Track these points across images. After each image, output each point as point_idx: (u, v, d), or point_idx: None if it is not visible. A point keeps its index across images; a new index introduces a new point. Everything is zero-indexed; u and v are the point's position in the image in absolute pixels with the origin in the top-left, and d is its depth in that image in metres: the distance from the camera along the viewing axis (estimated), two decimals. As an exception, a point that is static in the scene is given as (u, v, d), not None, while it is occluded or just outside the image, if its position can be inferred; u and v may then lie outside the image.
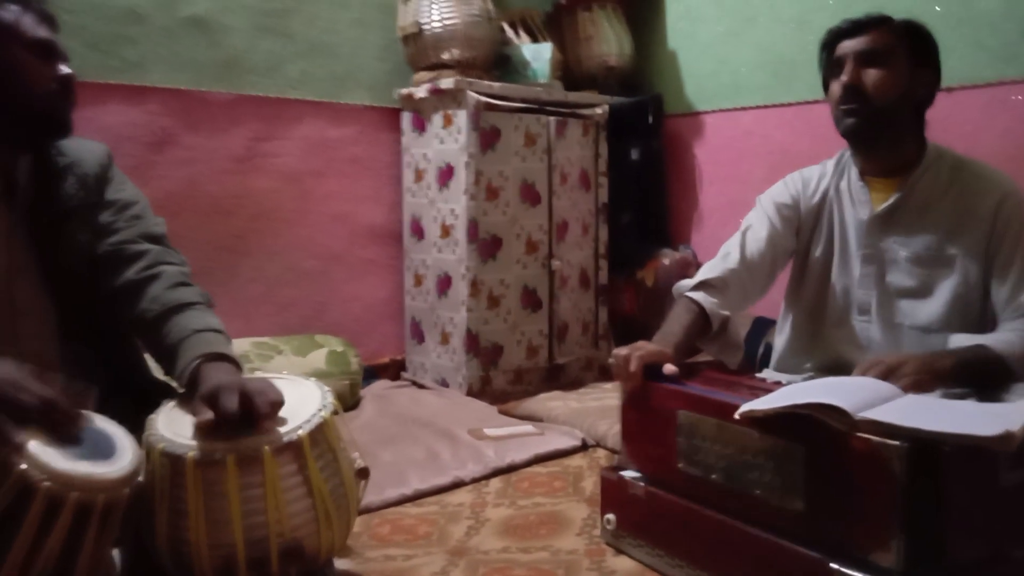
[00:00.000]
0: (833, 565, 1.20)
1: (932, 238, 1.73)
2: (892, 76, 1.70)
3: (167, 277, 1.49)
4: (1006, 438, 1.08)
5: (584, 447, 2.29)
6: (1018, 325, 1.62)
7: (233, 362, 1.40)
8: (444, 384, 2.98)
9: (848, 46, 1.73)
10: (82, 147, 1.56)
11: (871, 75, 1.70)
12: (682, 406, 1.47)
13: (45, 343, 1.45)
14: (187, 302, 1.47)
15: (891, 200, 1.76)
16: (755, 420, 1.30)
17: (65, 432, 1.19)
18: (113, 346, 1.56)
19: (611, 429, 2.27)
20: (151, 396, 1.44)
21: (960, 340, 1.62)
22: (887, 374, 1.44)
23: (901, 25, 1.74)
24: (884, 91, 1.69)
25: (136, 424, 1.31)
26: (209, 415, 1.27)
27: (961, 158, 1.78)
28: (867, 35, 1.72)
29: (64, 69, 1.46)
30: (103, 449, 1.23)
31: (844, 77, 1.71)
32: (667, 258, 3.25)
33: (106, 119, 2.54)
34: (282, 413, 1.34)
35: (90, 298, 1.52)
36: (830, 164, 1.91)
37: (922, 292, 1.74)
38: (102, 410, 1.29)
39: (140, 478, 1.26)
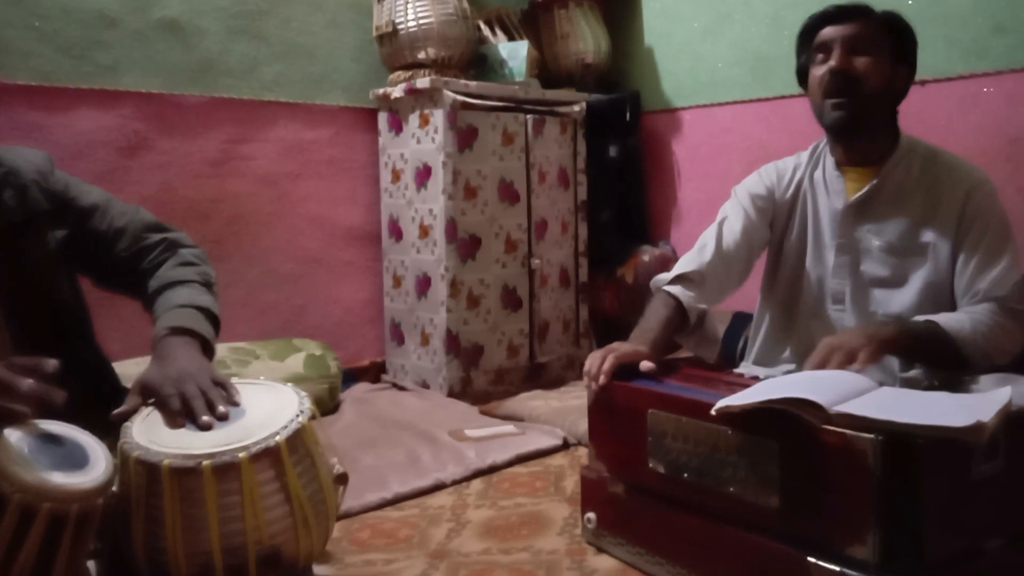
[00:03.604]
0: (810, 559, 1.20)
1: (905, 227, 1.75)
2: (879, 65, 1.71)
3: (178, 257, 1.57)
4: (977, 429, 1.08)
5: (565, 446, 2.29)
6: (972, 309, 1.64)
7: (199, 337, 1.44)
8: (425, 386, 2.98)
9: (834, 31, 1.73)
10: (18, 156, 1.51)
11: (861, 62, 1.70)
12: (650, 405, 1.46)
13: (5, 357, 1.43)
14: (183, 280, 1.51)
15: (865, 189, 1.77)
16: (731, 416, 1.31)
17: (19, 412, 1.17)
18: (80, 357, 1.55)
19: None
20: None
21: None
22: (850, 358, 1.45)
23: (883, 18, 1.74)
24: (871, 80, 1.70)
25: (107, 434, 1.29)
26: (133, 406, 1.34)
27: (934, 149, 1.80)
28: (853, 22, 1.72)
29: None
30: (76, 459, 1.21)
31: (833, 62, 1.71)
32: (647, 255, 3.25)
33: (79, 124, 2.52)
34: (260, 419, 1.34)
35: (54, 310, 1.50)
36: (804, 155, 1.92)
37: (895, 281, 1.76)
38: (73, 420, 1.27)
39: (114, 488, 1.25)
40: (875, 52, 1.71)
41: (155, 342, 1.42)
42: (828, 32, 1.74)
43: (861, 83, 1.70)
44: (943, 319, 1.61)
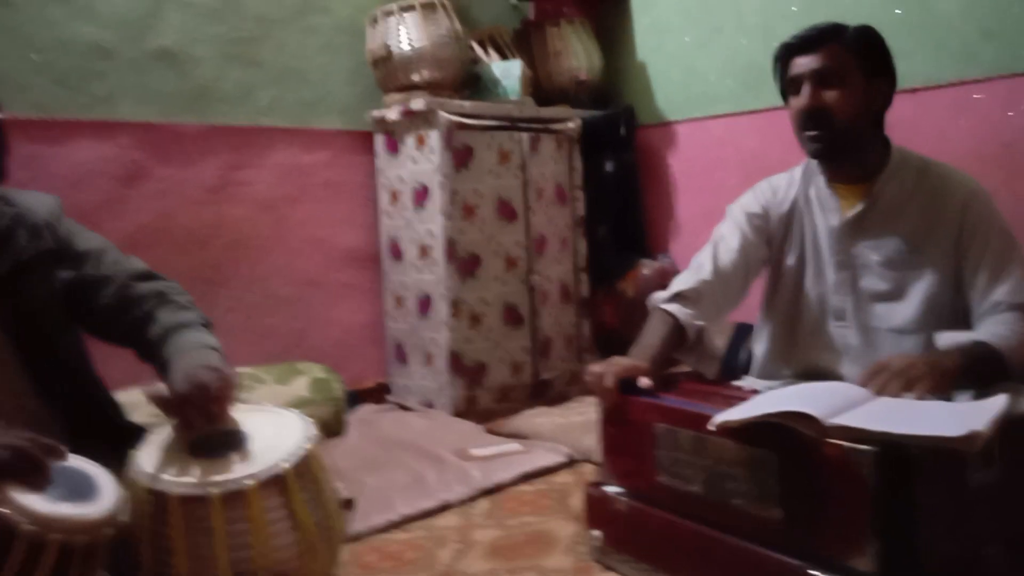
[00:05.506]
0: (812, 572, 1.21)
1: (902, 241, 1.74)
2: (850, 95, 1.70)
3: (174, 304, 1.56)
4: (972, 438, 1.09)
5: (570, 463, 2.30)
6: (1002, 319, 1.62)
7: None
8: (429, 405, 2.98)
9: (803, 64, 1.72)
10: (31, 198, 1.56)
11: (830, 96, 1.69)
12: (659, 419, 1.48)
13: (12, 395, 1.44)
14: (187, 323, 1.52)
15: (859, 207, 1.77)
16: (729, 430, 1.32)
17: (36, 480, 1.18)
18: (84, 391, 1.56)
19: (596, 443, 2.27)
20: (126, 438, 1.44)
21: (950, 338, 1.61)
22: (906, 385, 1.38)
23: (852, 37, 1.72)
24: (844, 111, 1.69)
25: (112, 467, 1.30)
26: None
27: (926, 160, 1.79)
28: (820, 53, 1.70)
29: None
30: (84, 490, 1.22)
31: (804, 100, 1.71)
32: (647, 268, 3.27)
33: (76, 155, 2.54)
34: (266, 446, 1.35)
35: (56, 346, 1.51)
36: (798, 172, 1.92)
37: (895, 295, 1.75)
38: (77, 452, 1.28)
39: (123, 518, 1.26)
40: (845, 81, 1.70)
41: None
42: (798, 65, 1.73)
43: (833, 116, 1.69)
44: (990, 337, 1.56)
